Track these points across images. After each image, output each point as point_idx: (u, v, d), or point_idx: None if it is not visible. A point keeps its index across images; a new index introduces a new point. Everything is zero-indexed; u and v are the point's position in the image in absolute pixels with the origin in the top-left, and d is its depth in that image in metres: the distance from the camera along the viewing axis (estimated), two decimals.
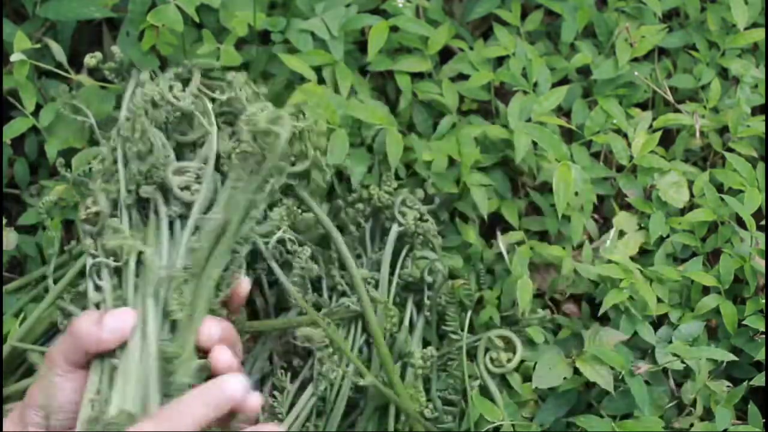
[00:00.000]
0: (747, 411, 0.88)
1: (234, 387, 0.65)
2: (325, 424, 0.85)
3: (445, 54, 1.04)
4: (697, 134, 1.00)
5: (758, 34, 1.04)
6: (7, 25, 0.97)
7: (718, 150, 1.01)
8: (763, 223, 0.95)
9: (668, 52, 1.08)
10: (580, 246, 0.94)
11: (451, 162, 0.95)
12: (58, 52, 0.96)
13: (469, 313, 0.90)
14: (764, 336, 0.89)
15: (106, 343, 0.66)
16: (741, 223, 0.93)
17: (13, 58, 0.93)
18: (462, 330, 0.89)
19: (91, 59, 0.83)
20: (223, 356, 0.68)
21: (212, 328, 0.69)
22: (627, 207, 0.98)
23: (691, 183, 0.98)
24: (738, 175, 0.96)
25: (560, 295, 0.95)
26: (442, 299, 0.89)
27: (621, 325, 0.88)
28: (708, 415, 0.88)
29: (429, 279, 0.87)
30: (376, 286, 0.88)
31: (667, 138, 1.02)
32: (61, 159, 0.91)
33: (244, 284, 0.74)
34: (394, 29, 0.99)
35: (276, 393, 0.86)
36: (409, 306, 0.89)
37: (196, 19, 0.95)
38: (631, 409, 0.86)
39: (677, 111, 1.03)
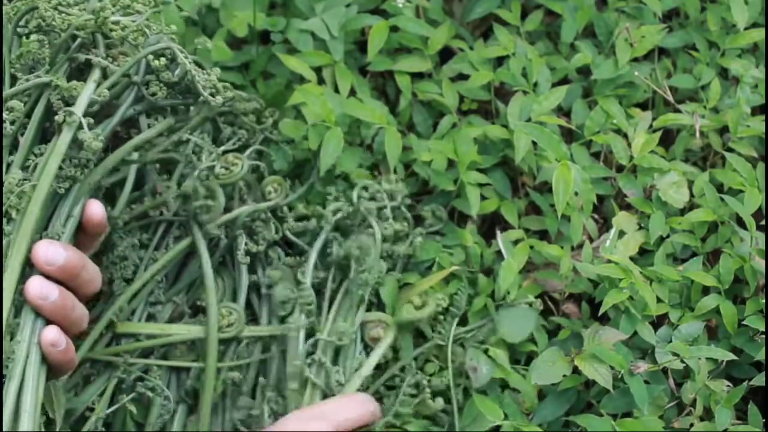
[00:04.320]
0: (747, 411, 0.88)
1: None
2: None
3: (445, 54, 1.04)
4: (697, 134, 1.00)
5: (758, 34, 1.04)
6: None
7: (718, 150, 1.01)
8: (763, 223, 0.95)
9: (668, 52, 1.08)
10: (580, 246, 0.94)
11: (451, 162, 0.95)
12: None
13: (455, 322, 0.90)
14: (764, 336, 0.89)
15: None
16: (741, 223, 0.93)
17: None
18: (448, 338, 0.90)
19: None
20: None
21: (52, 252, 0.66)
22: (627, 207, 0.98)
23: (691, 183, 0.98)
24: (738, 175, 0.96)
25: (560, 295, 0.95)
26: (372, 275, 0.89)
27: (621, 325, 0.88)
28: (708, 415, 0.87)
29: (356, 253, 0.88)
30: None
31: (667, 138, 1.02)
32: None
33: (92, 207, 0.70)
34: (394, 29, 0.99)
35: None
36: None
37: (197, 19, 0.96)
38: (631, 409, 0.85)
39: (677, 111, 1.03)
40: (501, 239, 0.94)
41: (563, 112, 1.03)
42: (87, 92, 0.69)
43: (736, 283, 0.92)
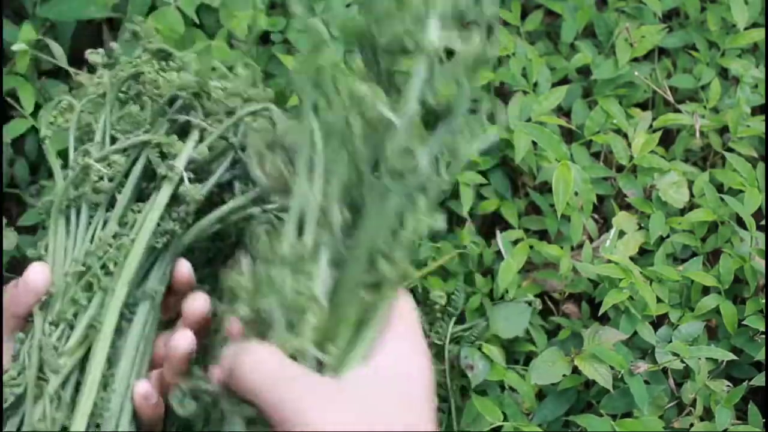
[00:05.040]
0: (747, 411, 0.88)
1: None
2: None
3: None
4: (697, 134, 1.00)
5: (758, 34, 1.04)
6: (7, 24, 0.97)
7: (718, 150, 1.01)
8: (763, 223, 0.95)
9: (668, 52, 1.08)
10: (580, 246, 0.94)
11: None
12: (58, 52, 0.96)
13: (452, 321, 0.90)
14: (764, 336, 0.89)
15: (28, 298, 0.65)
16: (741, 223, 0.93)
17: (15, 47, 0.93)
18: (445, 337, 0.89)
19: (93, 56, 0.82)
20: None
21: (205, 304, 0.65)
22: (627, 207, 0.98)
23: (691, 183, 0.97)
24: (738, 175, 0.96)
25: (560, 294, 0.95)
26: None
27: (621, 325, 0.88)
28: (708, 415, 0.88)
29: None
30: None
31: (667, 138, 1.02)
32: (60, 160, 0.91)
33: (181, 266, 0.69)
34: None
35: None
36: None
37: (197, 20, 0.96)
38: (631, 409, 0.85)
39: (677, 111, 1.03)
40: (501, 239, 0.94)
41: (563, 112, 1.03)
42: (187, 149, 0.70)
43: (736, 283, 0.92)
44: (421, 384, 0.53)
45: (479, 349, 0.87)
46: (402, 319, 0.55)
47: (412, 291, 0.92)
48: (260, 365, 0.52)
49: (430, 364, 0.54)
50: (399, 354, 0.53)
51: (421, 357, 0.54)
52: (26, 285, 0.65)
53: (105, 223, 0.69)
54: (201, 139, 0.71)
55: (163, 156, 0.70)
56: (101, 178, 0.69)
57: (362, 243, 0.56)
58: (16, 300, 0.65)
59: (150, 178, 0.71)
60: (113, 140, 0.73)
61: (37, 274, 0.65)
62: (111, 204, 0.70)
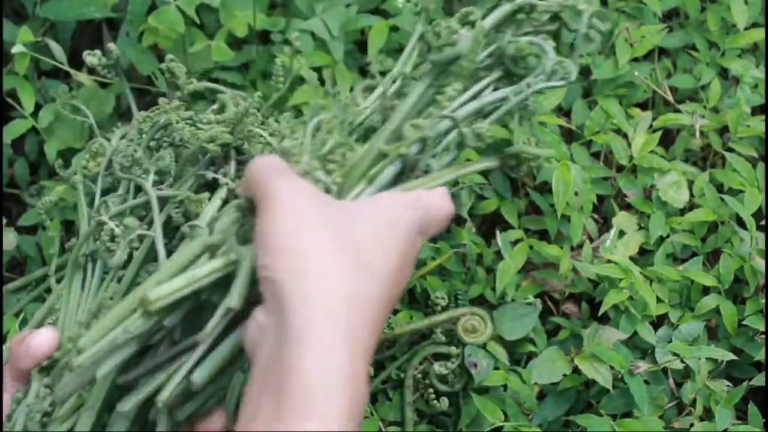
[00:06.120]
0: (747, 411, 0.88)
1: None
2: None
3: None
4: (697, 134, 1.00)
5: (758, 34, 1.04)
6: (7, 24, 0.97)
7: (718, 150, 1.01)
8: (763, 223, 0.95)
9: (668, 52, 1.08)
10: (580, 246, 0.94)
11: None
12: (58, 52, 0.96)
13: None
14: (764, 336, 0.89)
15: (27, 361, 0.65)
16: (741, 223, 0.93)
17: (14, 50, 0.93)
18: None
19: (91, 57, 0.83)
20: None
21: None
22: (627, 207, 0.98)
23: (691, 183, 0.97)
24: (738, 175, 0.96)
25: (560, 294, 0.95)
26: None
27: (621, 325, 0.88)
28: (708, 415, 0.88)
29: None
30: None
31: (667, 138, 1.02)
32: (59, 160, 0.91)
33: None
34: (394, 29, 0.99)
35: None
36: None
37: (197, 20, 0.96)
38: (631, 409, 0.85)
39: (677, 111, 1.03)
40: (501, 239, 0.94)
41: (563, 112, 1.03)
42: (212, 207, 0.67)
43: (736, 283, 0.92)
44: (374, 252, 0.55)
45: (484, 347, 0.87)
46: (418, 202, 0.60)
47: (411, 291, 0.93)
48: (266, 161, 0.58)
49: (399, 247, 0.57)
50: (376, 215, 0.57)
51: (391, 230, 0.57)
52: (29, 350, 0.65)
53: (120, 280, 0.67)
54: (228, 199, 0.67)
55: (186, 213, 0.67)
56: (113, 239, 0.66)
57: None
58: (18, 357, 0.66)
59: (172, 232, 0.68)
60: (138, 190, 0.71)
61: (41, 343, 0.65)
62: (130, 260, 0.67)
